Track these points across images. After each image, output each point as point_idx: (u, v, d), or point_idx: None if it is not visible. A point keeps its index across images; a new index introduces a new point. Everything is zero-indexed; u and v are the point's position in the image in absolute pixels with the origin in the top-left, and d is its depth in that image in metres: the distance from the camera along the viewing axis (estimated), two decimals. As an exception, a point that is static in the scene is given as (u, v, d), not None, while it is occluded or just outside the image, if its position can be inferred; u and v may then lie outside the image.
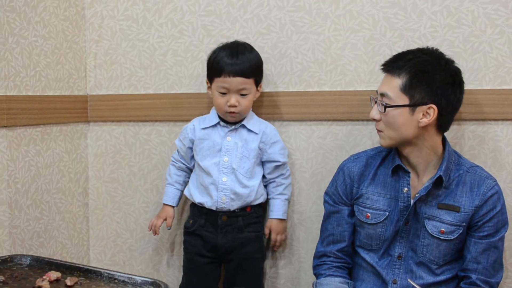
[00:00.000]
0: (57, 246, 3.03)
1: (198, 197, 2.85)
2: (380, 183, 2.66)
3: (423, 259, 2.59)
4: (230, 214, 2.84)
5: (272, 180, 2.90)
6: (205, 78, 3.00)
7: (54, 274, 2.20)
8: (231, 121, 2.82)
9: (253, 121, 2.86)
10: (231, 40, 2.94)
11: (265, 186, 2.92)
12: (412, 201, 2.57)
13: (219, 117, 2.84)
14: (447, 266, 2.61)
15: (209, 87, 2.84)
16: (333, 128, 2.93)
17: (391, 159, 2.64)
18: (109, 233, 3.24)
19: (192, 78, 3.06)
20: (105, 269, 2.25)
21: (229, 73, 2.73)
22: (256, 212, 2.89)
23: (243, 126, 2.83)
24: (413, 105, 2.47)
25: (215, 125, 2.85)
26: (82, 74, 3.15)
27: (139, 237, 3.21)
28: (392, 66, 2.53)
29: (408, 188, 2.59)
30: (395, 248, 2.63)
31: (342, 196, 2.72)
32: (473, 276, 2.56)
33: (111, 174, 3.21)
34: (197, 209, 2.89)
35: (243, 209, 2.85)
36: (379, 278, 2.66)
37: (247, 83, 2.76)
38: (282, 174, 2.90)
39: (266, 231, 2.93)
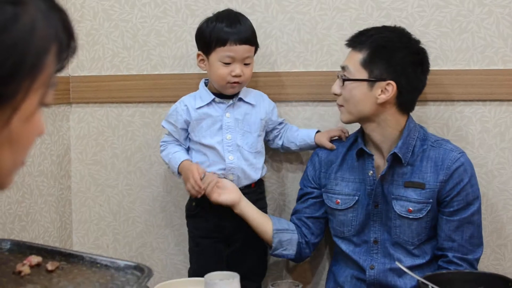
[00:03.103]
0: (39, 229, 2.99)
1: None
2: (348, 168, 2.64)
3: (398, 241, 2.56)
4: None
5: (282, 128, 2.83)
6: (189, 59, 2.98)
7: (35, 259, 2.15)
8: (231, 92, 2.68)
9: (248, 93, 2.75)
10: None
11: (276, 140, 2.84)
12: (376, 181, 2.56)
13: (214, 93, 2.71)
14: (425, 246, 2.57)
15: (202, 60, 2.69)
16: (319, 109, 2.90)
17: (358, 144, 2.62)
18: (92, 216, 3.20)
19: (175, 58, 3.01)
20: (87, 253, 2.20)
21: (235, 41, 2.59)
22: (260, 188, 2.81)
23: (241, 100, 2.71)
24: (371, 80, 2.46)
25: (210, 103, 2.70)
26: (63, 55, 3.09)
27: (122, 220, 3.17)
28: (354, 41, 2.54)
29: (373, 170, 2.57)
30: (370, 233, 2.61)
31: (311, 180, 2.72)
32: (450, 255, 2.52)
33: (94, 157, 3.16)
34: None
35: (247, 186, 2.73)
36: (356, 265, 2.63)
37: (251, 51, 2.65)
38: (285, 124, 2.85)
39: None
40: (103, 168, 3.16)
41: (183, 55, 2.99)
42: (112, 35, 3.07)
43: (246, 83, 2.70)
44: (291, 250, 2.70)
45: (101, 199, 3.18)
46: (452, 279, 2.18)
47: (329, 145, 2.70)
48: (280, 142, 2.83)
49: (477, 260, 2.57)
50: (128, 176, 3.13)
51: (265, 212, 2.81)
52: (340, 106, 2.58)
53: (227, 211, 2.67)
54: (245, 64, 2.64)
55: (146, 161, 3.09)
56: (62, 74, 3.06)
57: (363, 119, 2.55)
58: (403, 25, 2.74)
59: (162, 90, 3.02)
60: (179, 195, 3.07)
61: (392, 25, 2.73)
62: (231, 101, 2.70)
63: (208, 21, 2.67)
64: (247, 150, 2.69)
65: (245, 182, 2.71)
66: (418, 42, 2.54)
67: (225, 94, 2.70)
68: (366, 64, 2.47)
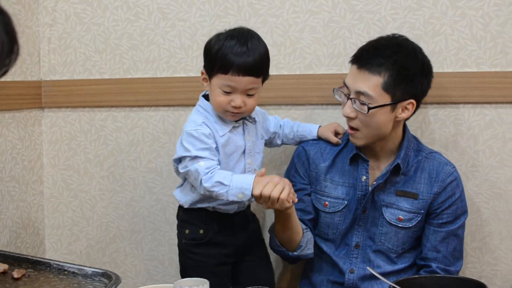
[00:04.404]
0: (11, 235, 2.95)
1: (214, 203, 2.50)
2: (339, 171, 2.60)
3: (382, 248, 2.55)
4: (241, 212, 2.56)
5: (281, 127, 2.70)
6: (161, 62, 2.96)
7: (0, 266, 2.13)
8: (232, 119, 2.45)
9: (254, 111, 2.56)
10: (188, 23, 2.91)
11: (274, 141, 2.71)
12: (370, 189, 2.53)
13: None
14: (406, 255, 2.57)
15: (205, 79, 2.44)
16: (292, 112, 2.88)
17: (350, 147, 2.59)
18: (65, 222, 3.17)
19: (148, 62, 2.98)
20: (54, 260, 2.19)
21: (238, 71, 2.33)
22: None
23: (255, 121, 2.54)
24: (395, 103, 2.40)
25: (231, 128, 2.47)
26: (35, 59, 3.06)
27: (95, 225, 3.14)
28: (370, 63, 2.39)
29: (366, 176, 2.54)
30: (353, 237, 2.59)
31: (303, 176, 2.66)
32: (433, 265, 2.52)
33: (66, 161, 3.13)
34: (205, 216, 2.53)
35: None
36: (335, 268, 2.61)
37: (256, 82, 2.38)
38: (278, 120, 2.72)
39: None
40: (76, 173, 3.13)
41: (156, 59, 2.97)
42: (84, 39, 3.04)
43: (249, 113, 2.48)
44: (312, 249, 2.62)
45: (74, 204, 3.15)
46: (425, 283, 2.17)
47: (334, 139, 2.63)
48: (279, 142, 2.73)
49: (458, 272, 2.58)
50: (101, 181, 3.11)
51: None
52: (355, 130, 2.46)
53: (240, 231, 2.57)
54: (248, 95, 2.40)
55: (118, 165, 3.07)
56: (34, 78, 3.04)
57: (377, 140, 2.50)
58: (377, 28, 2.75)
59: (134, 94, 3.00)
60: (152, 200, 3.06)
61: (366, 27, 2.76)
62: (249, 124, 2.53)
63: (217, 37, 2.42)
64: (257, 170, 2.53)
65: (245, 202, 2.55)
66: (421, 50, 2.48)
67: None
68: (389, 88, 2.37)
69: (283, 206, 2.36)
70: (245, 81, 2.36)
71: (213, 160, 2.40)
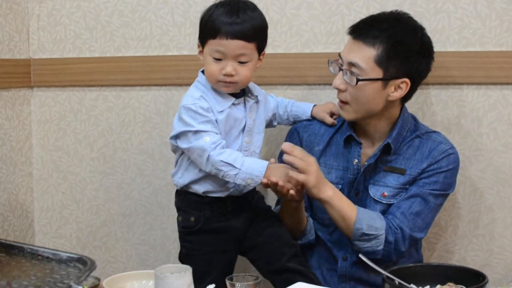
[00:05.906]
0: (-3, 218, 2.88)
1: (207, 186, 2.40)
2: (332, 154, 2.52)
3: None
4: (238, 196, 2.43)
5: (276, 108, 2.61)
6: (153, 40, 2.88)
7: (-30, 251, 2.05)
8: (226, 91, 2.35)
9: (255, 88, 2.47)
10: (181, -1, 2.82)
11: (271, 123, 2.63)
12: (361, 170, 2.45)
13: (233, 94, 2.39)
14: None
15: (201, 51, 2.37)
16: (288, 92, 2.79)
17: (345, 128, 2.50)
18: (55, 204, 3.09)
19: (139, 40, 2.90)
20: (28, 245, 2.10)
21: (226, 34, 2.26)
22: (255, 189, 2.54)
23: (257, 99, 2.44)
24: (387, 79, 2.32)
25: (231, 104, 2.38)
26: (24, 37, 2.97)
27: (86, 208, 3.06)
28: (365, 34, 2.34)
29: (358, 159, 2.45)
30: (346, 222, 2.49)
31: None
32: (389, 217, 2.40)
33: (56, 142, 3.05)
34: (196, 201, 2.43)
35: (252, 191, 2.48)
36: (330, 254, 2.54)
37: (247, 48, 2.29)
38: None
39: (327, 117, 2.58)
40: (66, 154, 3.05)
41: (147, 36, 2.89)
42: (74, 16, 2.96)
43: (243, 84, 2.36)
44: (314, 234, 2.57)
45: (63, 187, 3.08)
46: (419, 272, 2.09)
47: (330, 120, 2.55)
48: (275, 124, 2.65)
49: (414, 239, 2.42)
50: (91, 163, 3.03)
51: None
52: (344, 103, 2.41)
53: (234, 214, 2.44)
54: (241, 62, 2.31)
55: (109, 147, 2.99)
56: (23, 56, 2.96)
57: (367, 117, 2.42)
58: (376, 5, 2.68)
59: (125, 73, 2.93)
60: (144, 182, 2.99)
61: (365, 4, 2.70)
62: (251, 101, 2.42)
63: (210, 8, 2.35)
64: (257, 153, 2.46)
65: (251, 187, 2.43)
66: (424, 29, 2.41)
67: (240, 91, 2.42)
68: (382, 62, 2.31)
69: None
70: (234, 45, 2.27)
71: (216, 134, 2.32)
